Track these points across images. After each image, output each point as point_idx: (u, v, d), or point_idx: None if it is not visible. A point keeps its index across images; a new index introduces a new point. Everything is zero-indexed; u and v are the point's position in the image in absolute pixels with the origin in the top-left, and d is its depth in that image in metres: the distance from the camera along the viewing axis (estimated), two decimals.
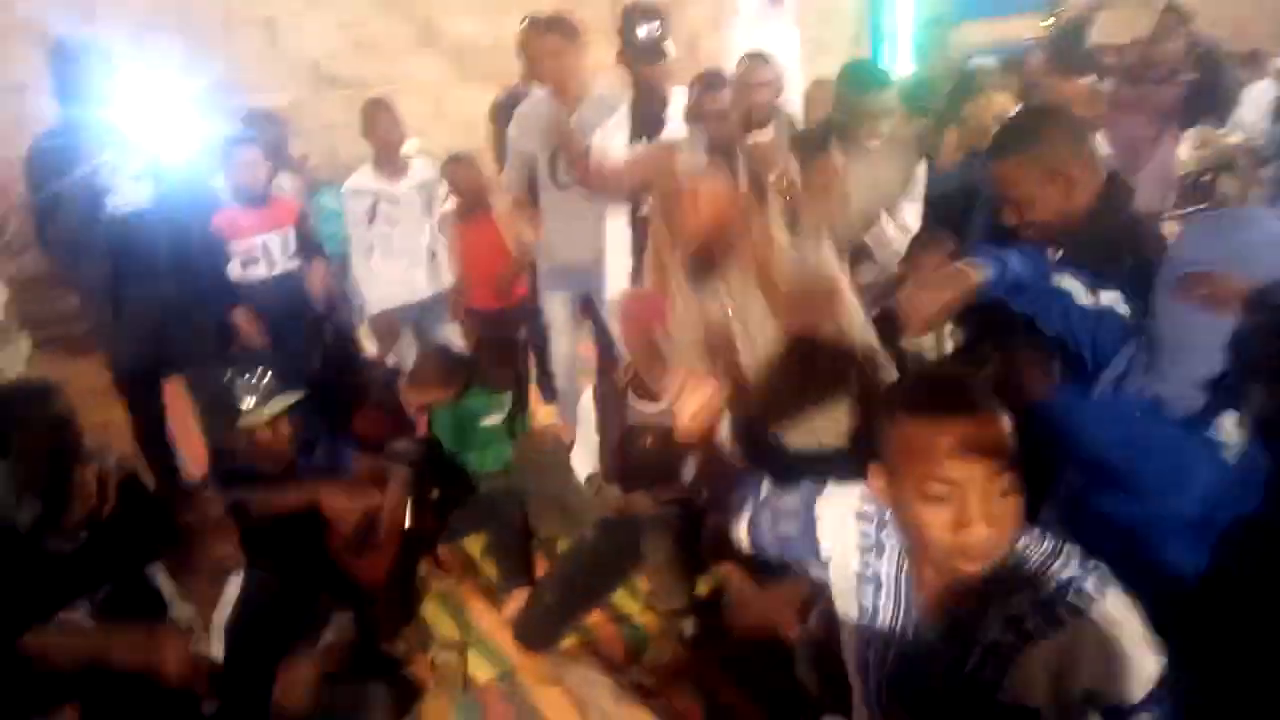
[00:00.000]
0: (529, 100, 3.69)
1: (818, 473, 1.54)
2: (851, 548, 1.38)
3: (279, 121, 4.17)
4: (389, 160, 3.67)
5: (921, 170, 2.66)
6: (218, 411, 3.13)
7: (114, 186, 2.90)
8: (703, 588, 2.80)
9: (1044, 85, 3.48)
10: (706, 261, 2.17)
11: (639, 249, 3.10)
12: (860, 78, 2.62)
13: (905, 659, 1.32)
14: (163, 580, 2.15)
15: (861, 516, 1.38)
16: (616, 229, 3.25)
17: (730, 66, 4.57)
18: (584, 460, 2.97)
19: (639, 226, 3.15)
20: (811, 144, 2.74)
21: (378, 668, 2.57)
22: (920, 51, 3.35)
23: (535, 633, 2.70)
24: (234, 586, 2.21)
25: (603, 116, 3.23)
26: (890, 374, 2.28)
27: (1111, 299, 1.64)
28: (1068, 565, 1.18)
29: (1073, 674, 1.14)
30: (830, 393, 2.19)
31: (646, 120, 3.17)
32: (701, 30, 6.38)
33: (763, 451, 2.22)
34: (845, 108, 2.62)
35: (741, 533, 1.59)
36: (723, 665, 2.51)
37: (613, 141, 3.17)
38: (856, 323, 2.22)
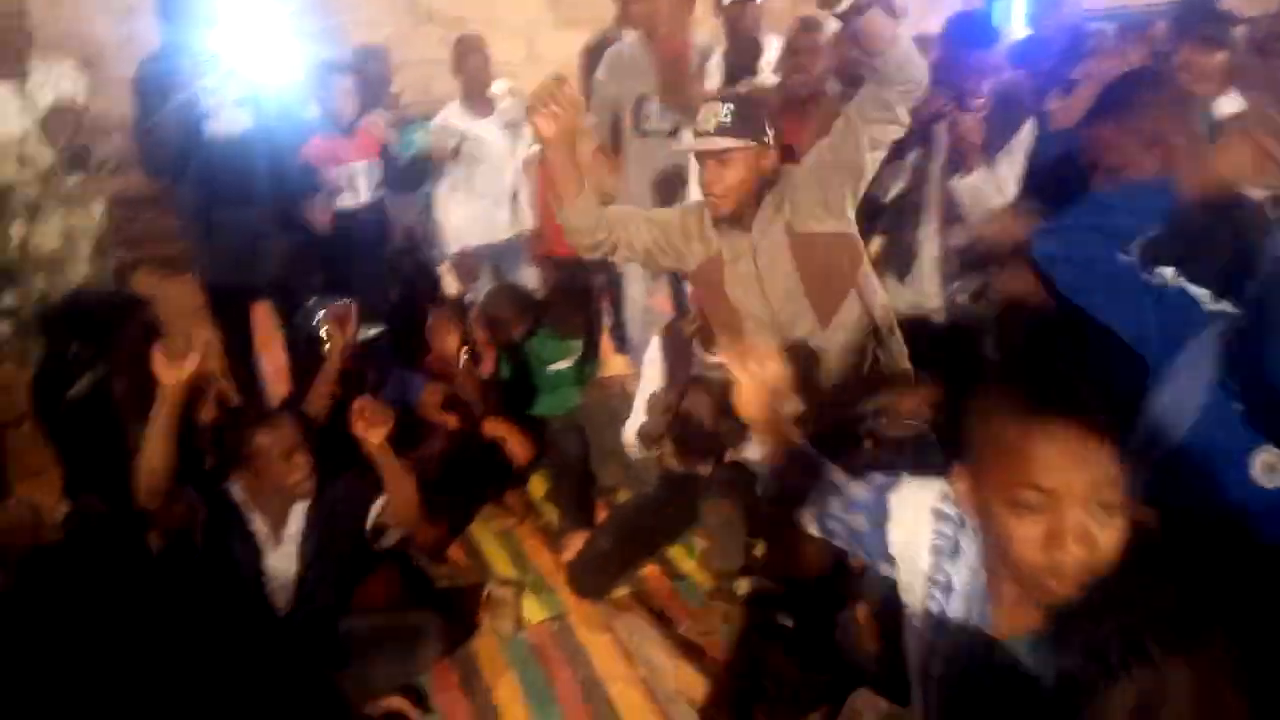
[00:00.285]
0: (619, 44, 3.63)
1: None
2: (924, 548, 1.29)
3: (381, 56, 4.19)
4: (477, 98, 3.66)
5: (1027, 132, 2.51)
6: (300, 337, 3.22)
7: (214, 111, 2.95)
8: (759, 550, 2.78)
9: (1176, 56, 3.25)
10: (734, 216, 2.14)
11: None
12: (963, 32, 2.48)
13: (970, 674, 1.23)
14: (239, 495, 2.23)
15: (939, 515, 1.29)
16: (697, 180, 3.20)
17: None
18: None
19: None
20: None
21: (433, 601, 2.62)
22: (1035, 11, 3.15)
23: (589, 580, 2.72)
24: (304, 505, 2.28)
25: (697, 62, 3.16)
26: (903, 356, 2.21)
27: (1169, 275, 1.48)
28: (1163, 596, 1.02)
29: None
30: (844, 365, 2.13)
31: (738, 69, 3.09)
32: None
33: None
34: (947, 62, 2.49)
35: (809, 519, 1.50)
36: (771, 631, 2.49)
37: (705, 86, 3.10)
38: (875, 292, 2.17)
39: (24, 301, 2.87)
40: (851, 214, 2.18)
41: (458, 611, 2.64)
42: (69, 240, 2.96)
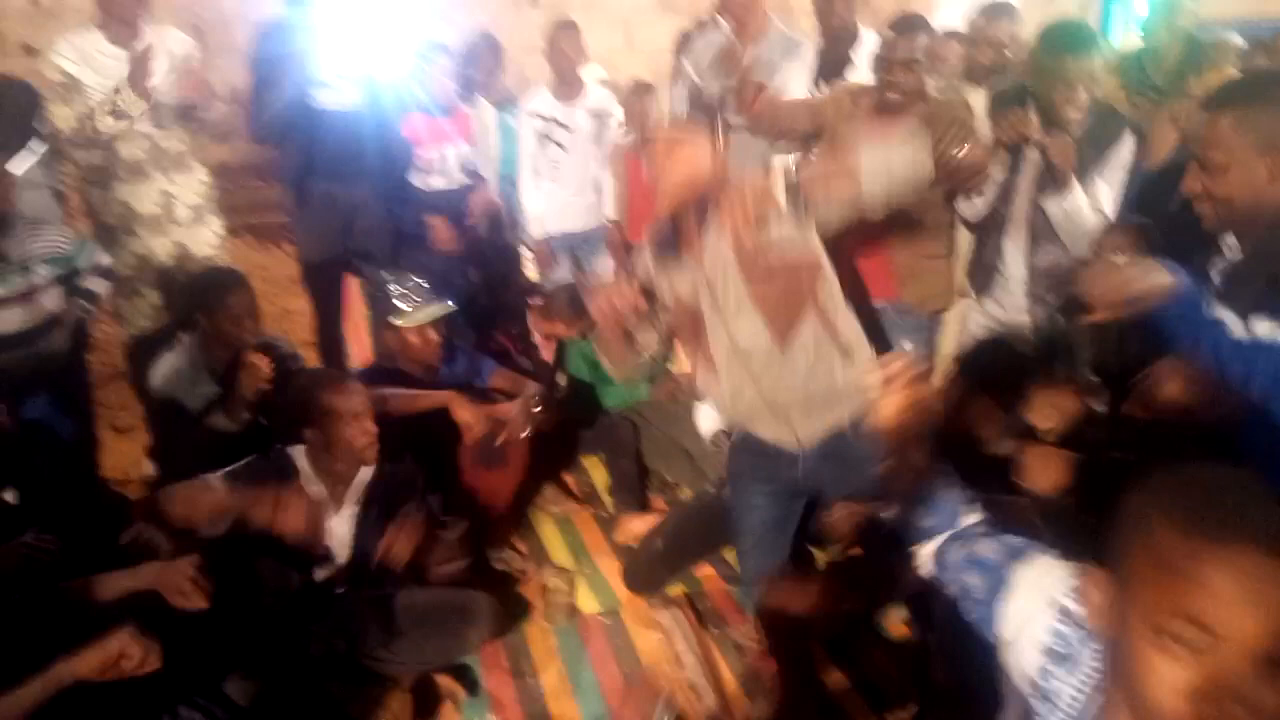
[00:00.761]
0: (711, 35, 3.59)
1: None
2: (1035, 644, 1.08)
3: (495, 46, 4.22)
4: (567, 85, 3.66)
5: (1128, 149, 2.38)
6: (378, 311, 3.28)
7: (323, 84, 3.02)
8: (821, 561, 2.72)
9: None
10: (680, 227, 1.99)
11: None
12: (1058, 39, 2.34)
13: None
14: (301, 459, 2.28)
15: (1062, 612, 1.07)
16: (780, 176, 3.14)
17: (941, 11, 4.30)
18: (709, 417, 2.90)
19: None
20: (1005, 103, 2.51)
21: (487, 583, 2.64)
22: (1153, 20, 2.96)
23: (642, 576, 2.71)
24: (366, 475, 2.32)
25: (786, 56, 3.10)
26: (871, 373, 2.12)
27: (1269, 329, 1.41)
28: None
29: None
30: (812, 383, 2.00)
31: (831, 62, 3.02)
32: None
33: None
34: (1039, 71, 2.36)
35: (926, 557, 1.35)
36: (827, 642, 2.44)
37: (792, 82, 3.04)
38: (839, 309, 2.02)
39: (122, 263, 2.98)
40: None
41: (509, 596, 2.67)
42: (167, 204, 3.07)
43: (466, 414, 2.64)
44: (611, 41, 5.62)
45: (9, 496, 2.04)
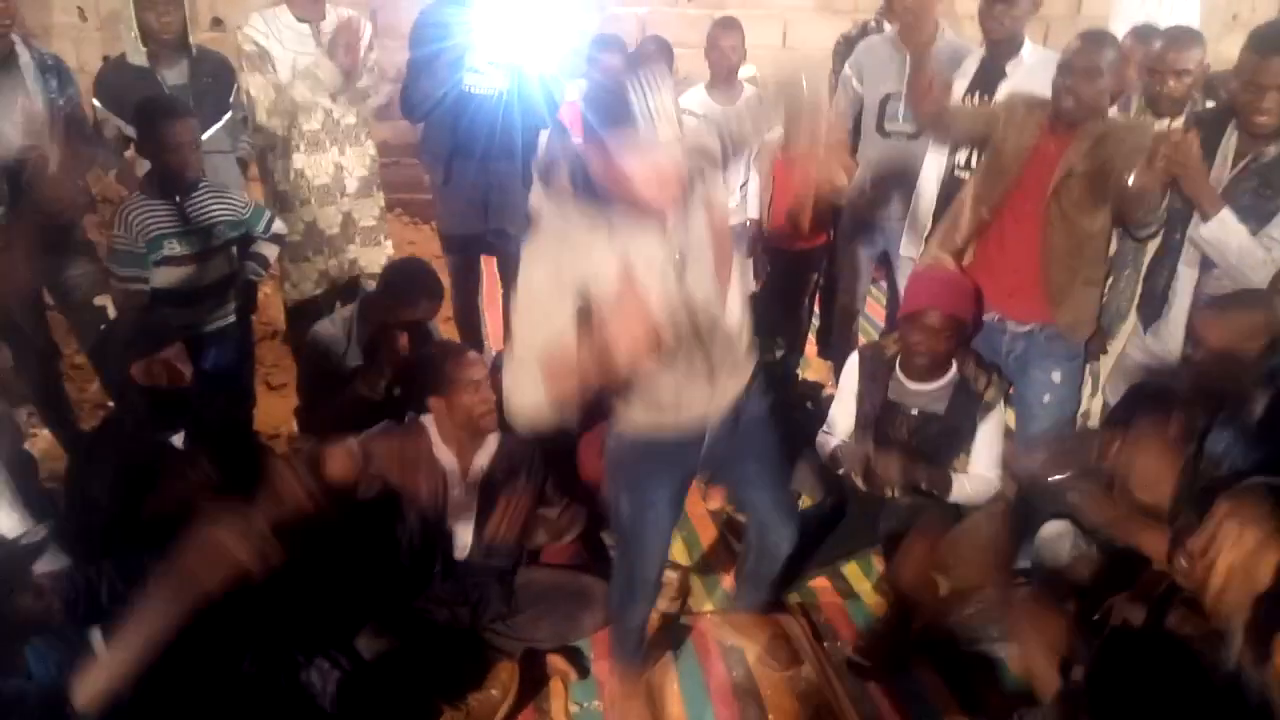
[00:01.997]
0: (873, 39, 3.52)
1: None
2: None
3: (667, 50, 4.27)
4: (724, 83, 3.65)
5: None
6: (510, 291, 3.35)
7: (474, 69, 3.12)
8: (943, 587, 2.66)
9: None
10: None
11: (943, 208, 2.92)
12: (1268, 39, 2.18)
13: None
14: (431, 427, 2.37)
15: None
16: (928, 186, 3.05)
17: (1114, 26, 4.08)
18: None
19: (953, 185, 2.95)
20: (1208, 126, 2.37)
21: (604, 570, 2.68)
22: None
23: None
24: (491, 444, 2.41)
25: (949, 66, 3.01)
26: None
27: None
28: None
29: None
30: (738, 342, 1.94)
31: (989, 72, 2.92)
32: None
33: None
34: (1243, 75, 2.21)
35: None
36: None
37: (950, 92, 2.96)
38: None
39: (291, 229, 3.16)
40: None
41: None
42: (338, 176, 3.23)
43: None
44: (767, 38, 5.57)
45: (176, 441, 2.20)
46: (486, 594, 2.40)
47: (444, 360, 2.35)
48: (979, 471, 2.65)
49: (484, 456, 2.41)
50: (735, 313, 1.90)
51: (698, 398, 1.92)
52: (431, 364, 2.37)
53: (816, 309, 3.92)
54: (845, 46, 3.91)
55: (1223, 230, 2.24)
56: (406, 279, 2.80)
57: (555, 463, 2.61)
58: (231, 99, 3.15)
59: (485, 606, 2.40)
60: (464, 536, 2.39)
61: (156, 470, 2.05)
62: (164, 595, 1.31)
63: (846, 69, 3.42)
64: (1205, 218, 2.26)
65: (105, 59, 4.67)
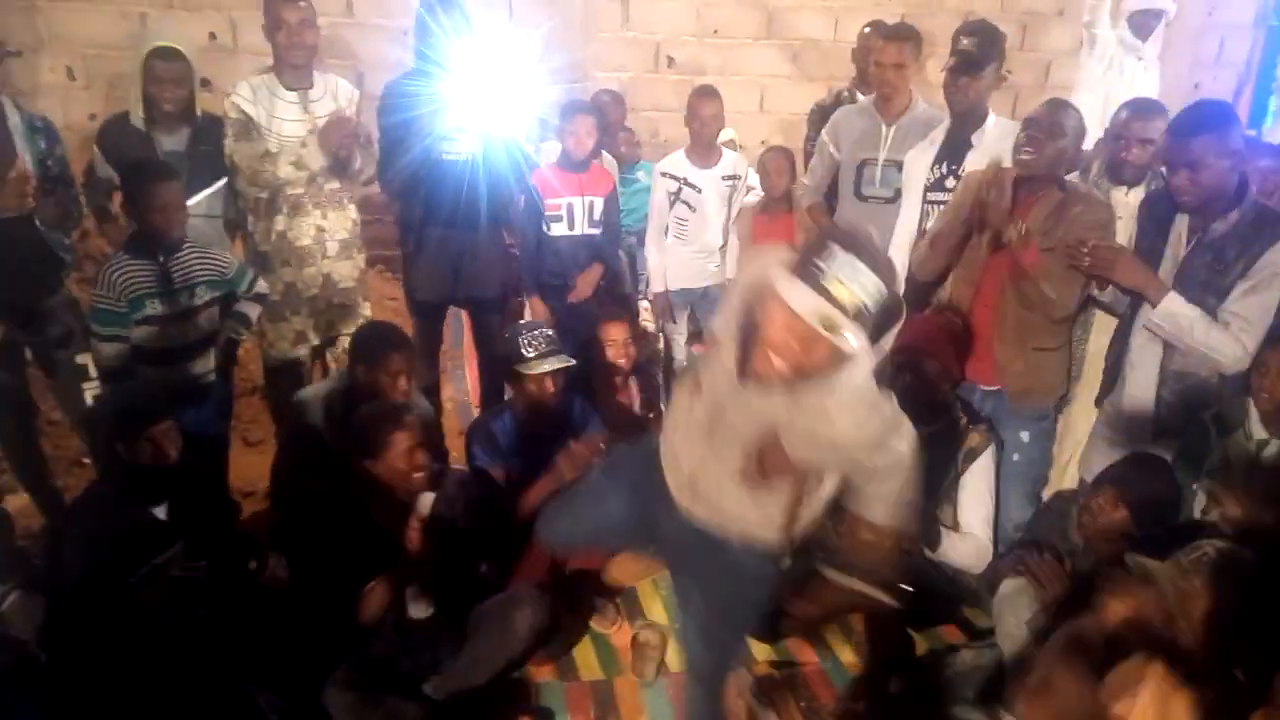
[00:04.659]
0: (850, 107, 3.63)
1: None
2: None
3: (621, 102, 4.37)
4: (704, 148, 3.74)
5: None
6: (486, 355, 3.38)
7: (445, 136, 3.18)
8: (922, 646, 2.67)
9: None
10: None
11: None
12: (1190, 117, 2.26)
13: None
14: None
15: None
16: (901, 249, 3.11)
17: (1079, 95, 4.23)
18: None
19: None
20: (1160, 205, 2.46)
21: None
22: None
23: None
24: (425, 504, 2.40)
25: (918, 136, 3.11)
26: None
27: None
28: None
29: None
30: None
31: (954, 143, 3.00)
32: (1057, 58, 5.95)
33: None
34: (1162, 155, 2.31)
35: None
36: None
37: (917, 163, 3.04)
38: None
39: (271, 288, 3.18)
40: None
41: (603, 647, 2.70)
42: (319, 239, 3.26)
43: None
44: (744, 103, 5.71)
45: (159, 513, 2.19)
46: (431, 645, 2.38)
47: (374, 423, 2.36)
48: (970, 530, 2.66)
49: (421, 510, 2.40)
50: (743, 500, 1.80)
51: (676, 475, 1.90)
52: (361, 427, 2.38)
53: None
54: (819, 114, 4.02)
55: (1173, 315, 2.30)
56: (376, 339, 2.84)
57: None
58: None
59: (426, 657, 2.37)
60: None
61: (137, 542, 2.05)
62: None
63: (824, 135, 3.52)
64: (1154, 304, 2.33)
65: (92, 117, 4.75)
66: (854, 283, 1.40)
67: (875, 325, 1.47)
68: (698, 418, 1.81)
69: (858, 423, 1.60)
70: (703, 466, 1.83)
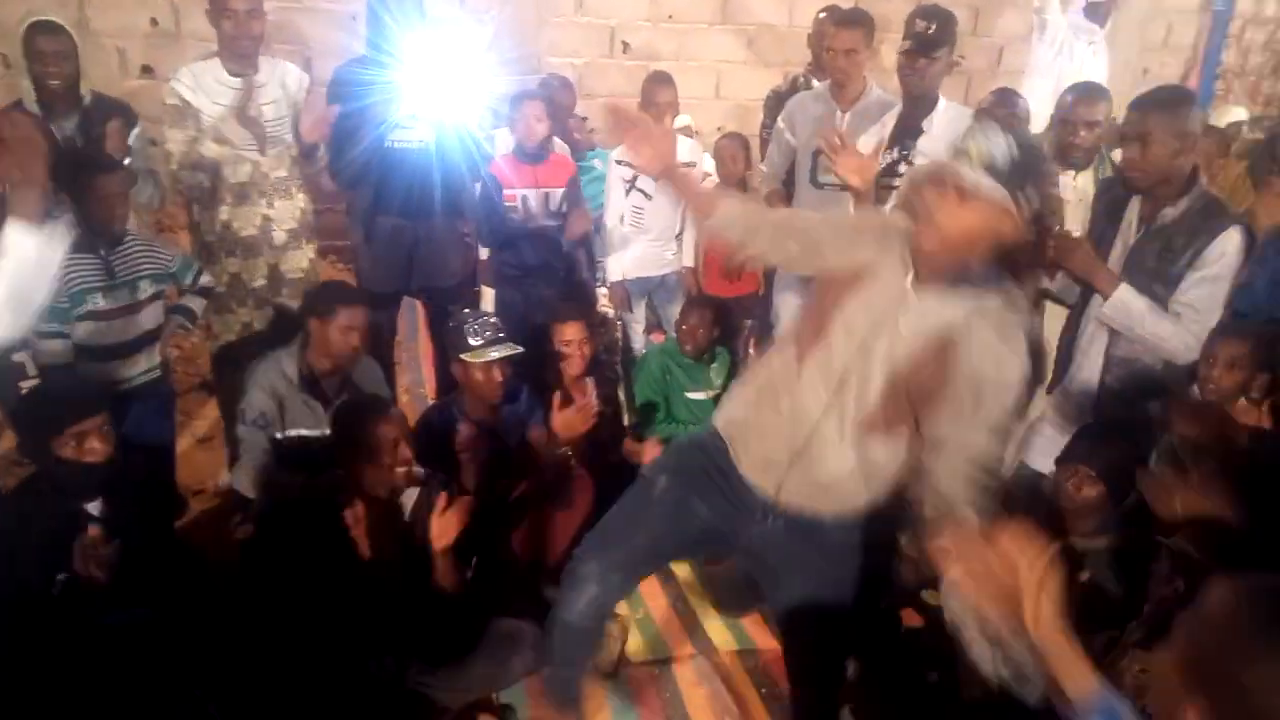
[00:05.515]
0: (805, 94, 3.62)
1: None
2: None
3: (570, 88, 4.32)
4: None
5: (1234, 245, 2.23)
6: (440, 345, 3.34)
7: (397, 124, 3.12)
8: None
9: None
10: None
11: None
12: (1149, 96, 2.29)
13: None
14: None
15: None
16: None
17: (1029, 80, 4.26)
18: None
19: None
20: (1112, 191, 2.47)
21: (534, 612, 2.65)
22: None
23: (727, 595, 2.81)
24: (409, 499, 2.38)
25: (872, 122, 3.11)
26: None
27: None
28: None
29: None
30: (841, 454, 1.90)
31: (907, 127, 3.01)
32: (1009, 43, 6.01)
33: None
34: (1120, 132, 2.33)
35: None
36: None
37: (869, 150, 3.03)
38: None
39: (217, 280, 3.10)
40: None
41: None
42: (265, 228, 3.18)
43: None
44: (701, 89, 5.69)
45: (92, 508, 2.12)
46: (412, 644, 2.33)
47: (359, 421, 2.30)
48: None
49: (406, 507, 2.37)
50: (851, 458, 1.83)
51: (767, 462, 1.90)
52: (345, 425, 2.33)
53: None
54: (775, 100, 4.01)
55: (1124, 307, 2.31)
56: (329, 293, 2.82)
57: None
58: (133, 147, 3.03)
59: (411, 657, 2.33)
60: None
61: (70, 538, 1.98)
62: None
63: (780, 122, 3.51)
64: (1105, 296, 2.35)
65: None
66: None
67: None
68: (826, 370, 1.81)
69: (1020, 366, 1.73)
70: (824, 423, 1.81)
